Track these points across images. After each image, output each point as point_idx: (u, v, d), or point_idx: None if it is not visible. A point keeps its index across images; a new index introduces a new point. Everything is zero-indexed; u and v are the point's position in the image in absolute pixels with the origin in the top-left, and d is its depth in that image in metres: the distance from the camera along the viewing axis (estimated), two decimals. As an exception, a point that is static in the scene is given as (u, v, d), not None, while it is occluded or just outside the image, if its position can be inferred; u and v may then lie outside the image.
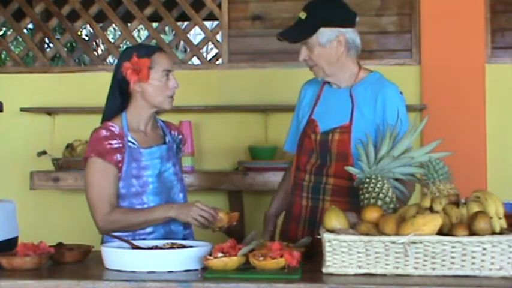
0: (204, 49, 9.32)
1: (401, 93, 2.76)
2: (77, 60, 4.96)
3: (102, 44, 8.77)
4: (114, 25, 4.78)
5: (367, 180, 2.35)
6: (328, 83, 2.83)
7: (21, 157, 4.45)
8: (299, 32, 2.73)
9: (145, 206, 2.60)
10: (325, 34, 2.70)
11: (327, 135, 2.73)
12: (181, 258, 2.18)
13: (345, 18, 2.74)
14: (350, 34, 2.73)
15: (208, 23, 4.91)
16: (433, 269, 2.03)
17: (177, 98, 2.71)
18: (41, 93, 4.48)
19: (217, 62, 4.63)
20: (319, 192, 2.74)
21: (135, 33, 4.95)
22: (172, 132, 2.79)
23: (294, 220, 2.81)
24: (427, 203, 2.16)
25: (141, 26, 4.74)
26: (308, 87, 2.92)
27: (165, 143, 2.72)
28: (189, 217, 2.50)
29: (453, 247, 2.02)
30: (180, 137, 2.84)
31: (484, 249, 2.01)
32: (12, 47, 5.61)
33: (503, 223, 2.12)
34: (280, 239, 2.75)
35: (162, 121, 2.80)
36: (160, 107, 2.65)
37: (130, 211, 2.58)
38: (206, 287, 1.99)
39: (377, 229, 2.10)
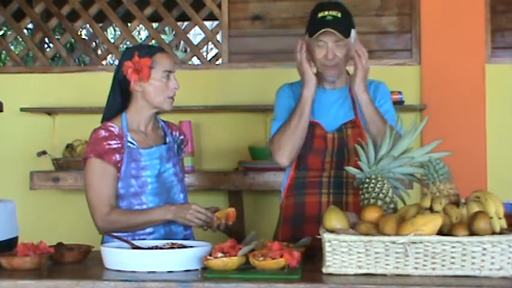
0: (204, 49, 9.32)
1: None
2: (77, 60, 4.96)
3: (102, 44, 8.77)
4: (114, 25, 4.78)
5: (367, 180, 2.34)
6: (319, 85, 2.82)
7: (21, 157, 4.44)
8: (344, 28, 2.70)
9: (144, 206, 2.60)
10: (353, 34, 2.75)
11: (341, 132, 2.76)
12: (181, 258, 2.17)
13: None
14: None
15: (208, 23, 4.91)
16: (433, 269, 2.03)
17: (177, 98, 2.71)
18: (41, 93, 4.48)
19: (217, 62, 4.62)
20: (341, 187, 2.75)
21: (135, 33, 4.95)
22: (174, 133, 2.79)
23: (310, 221, 2.73)
24: (427, 203, 2.16)
25: (141, 26, 4.73)
26: (294, 90, 2.87)
27: (165, 143, 2.72)
28: (186, 220, 2.51)
29: (453, 247, 2.02)
30: (182, 137, 2.83)
31: (484, 249, 2.01)
32: (12, 47, 5.62)
33: (503, 223, 2.12)
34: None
35: (164, 121, 2.80)
36: (160, 107, 2.65)
37: (130, 212, 2.58)
38: (206, 287, 1.99)
39: (377, 229, 2.10)
